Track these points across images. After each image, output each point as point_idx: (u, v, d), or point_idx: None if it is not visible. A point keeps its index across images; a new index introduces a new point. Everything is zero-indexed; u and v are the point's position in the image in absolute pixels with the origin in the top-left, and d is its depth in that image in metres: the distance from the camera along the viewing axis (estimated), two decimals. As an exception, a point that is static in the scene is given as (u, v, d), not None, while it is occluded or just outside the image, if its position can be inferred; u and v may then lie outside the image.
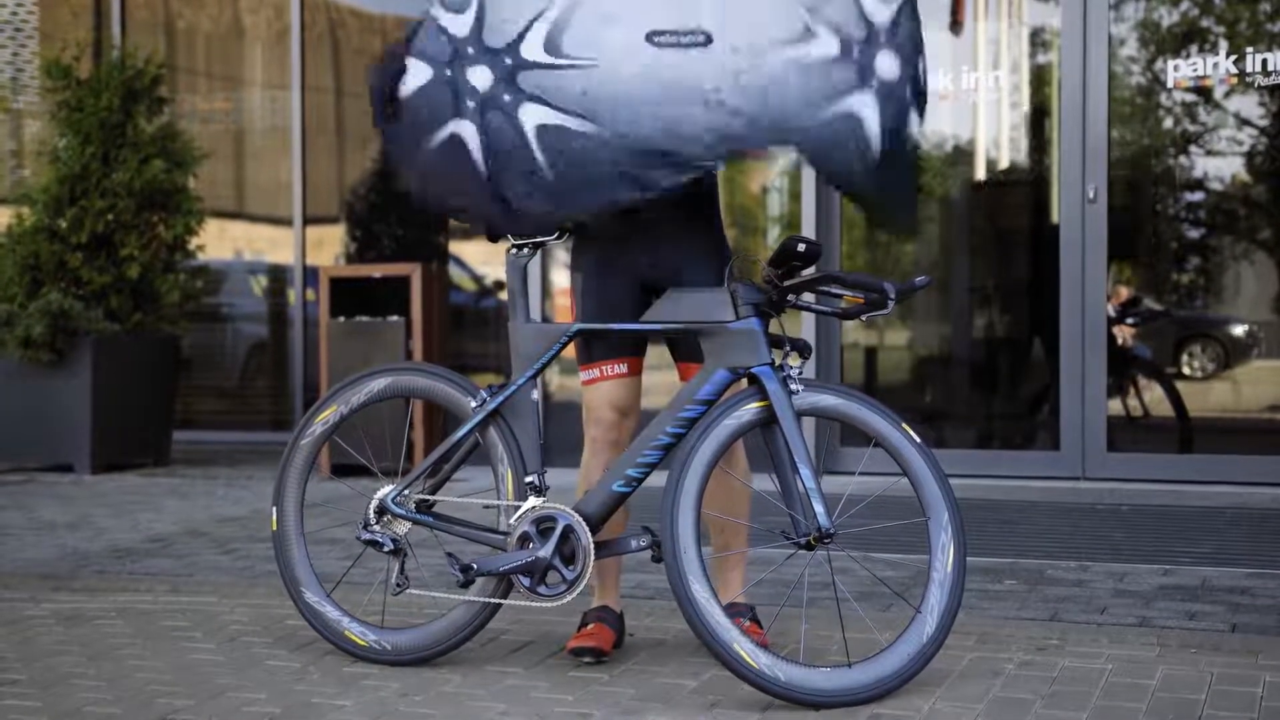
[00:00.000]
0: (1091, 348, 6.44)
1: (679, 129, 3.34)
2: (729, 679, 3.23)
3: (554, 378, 7.23)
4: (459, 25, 3.45)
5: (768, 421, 3.33)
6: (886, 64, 3.41)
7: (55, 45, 8.83)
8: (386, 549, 3.56)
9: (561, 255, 7.15)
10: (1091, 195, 6.44)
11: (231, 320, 9.48)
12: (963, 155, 7.35)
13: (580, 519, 3.43)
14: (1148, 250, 7.33)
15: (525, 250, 3.58)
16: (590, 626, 3.63)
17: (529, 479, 3.50)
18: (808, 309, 3.43)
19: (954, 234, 7.56)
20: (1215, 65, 6.66)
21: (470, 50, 3.43)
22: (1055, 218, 6.71)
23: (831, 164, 3.40)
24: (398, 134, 3.51)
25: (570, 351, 3.67)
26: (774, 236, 7.48)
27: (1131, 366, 7.06)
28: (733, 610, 3.61)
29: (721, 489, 3.61)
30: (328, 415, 3.72)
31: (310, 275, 8.78)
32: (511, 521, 3.49)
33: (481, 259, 8.78)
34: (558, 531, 3.42)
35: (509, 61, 3.40)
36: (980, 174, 7.42)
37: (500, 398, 3.54)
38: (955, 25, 7.11)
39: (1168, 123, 7.17)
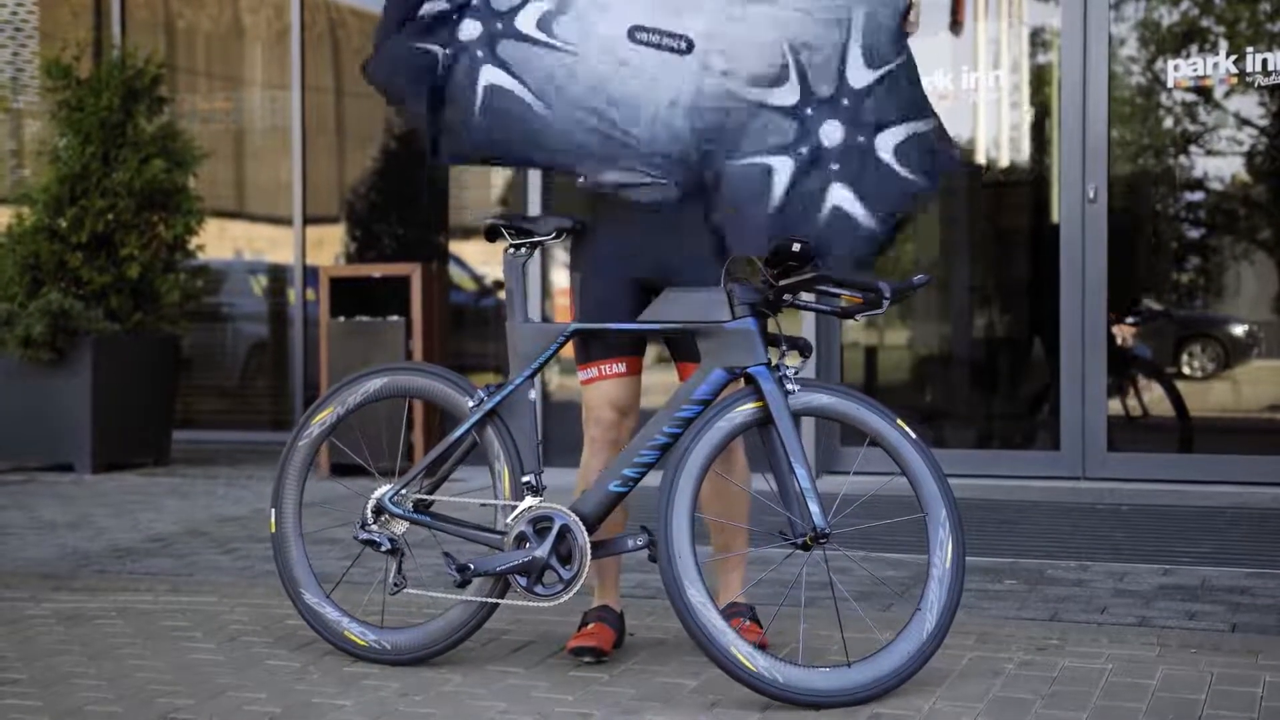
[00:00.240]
0: (1091, 348, 6.44)
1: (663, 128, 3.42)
2: (729, 679, 3.23)
3: (553, 377, 7.23)
4: None
5: (764, 421, 3.33)
6: (831, 130, 3.46)
7: (55, 45, 8.84)
8: (384, 549, 3.56)
9: (561, 255, 7.15)
10: (1091, 195, 6.44)
11: (231, 320, 9.48)
12: (962, 155, 7.35)
13: (577, 519, 3.43)
14: (1148, 250, 7.33)
15: (523, 250, 3.59)
16: (590, 626, 3.63)
17: (526, 478, 3.50)
18: (804, 308, 3.43)
19: (954, 234, 7.56)
20: (1215, 65, 6.66)
21: (475, 3, 3.57)
22: (1055, 218, 6.71)
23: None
24: (389, 37, 3.61)
25: (570, 351, 3.68)
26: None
27: (1131, 366, 7.06)
28: (732, 610, 3.61)
29: (721, 489, 3.61)
30: (325, 416, 3.72)
31: (310, 275, 8.78)
32: (508, 521, 3.49)
33: (481, 259, 8.79)
34: (554, 531, 3.42)
35: (499, 26, 3.55)
36: (980, 174, 7.42)
37: (498, 397, 3.54)
38: (955, 25, 7.11)
39: (1168, 123, 7.17)
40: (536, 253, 3.73)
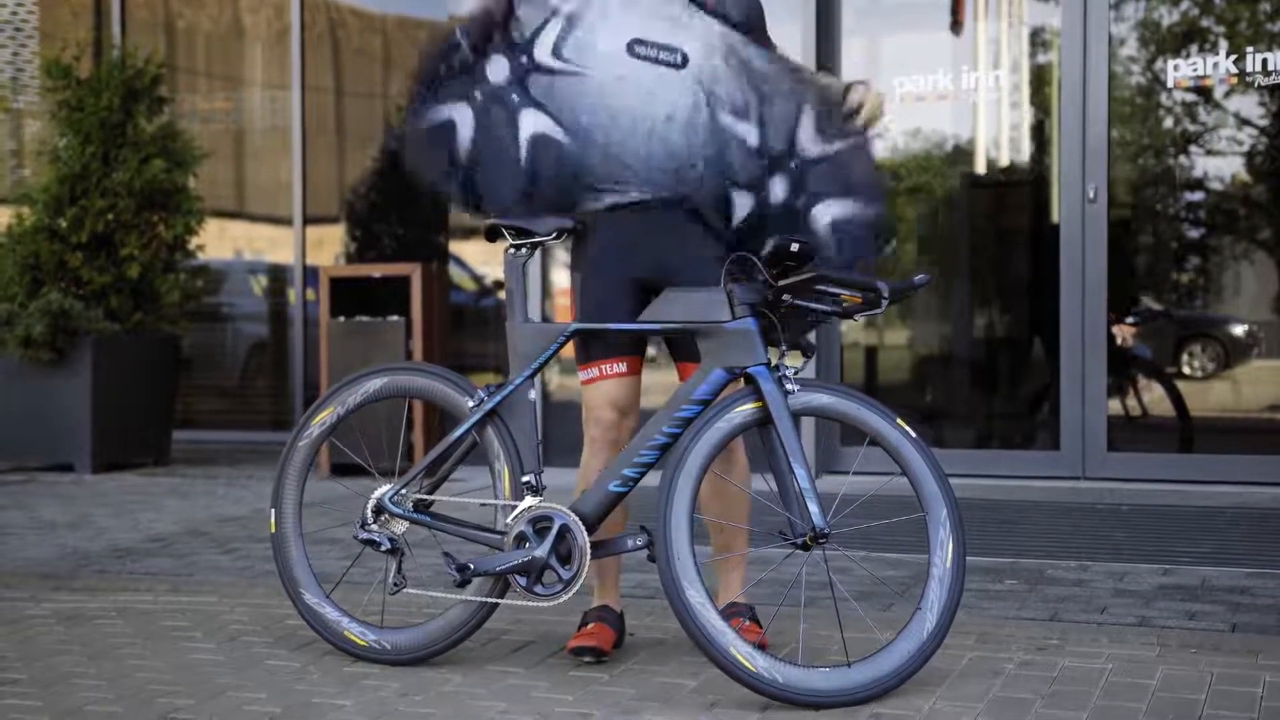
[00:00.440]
0: (1091, 348, 6.44)
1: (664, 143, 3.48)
2: (728, 679, 3.22)
3: (553, 377, 7.23)
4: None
5: (763, 421, 3.33)
6: (778, 186, 3.54)
7: (55, 45, 8.84)
8: (384, 548, 3.56)
9: (561, 255, 7.15)
10: (1091, 195, 6.44)
11: (231, 320, 9.48)
12: (963, 155, 7.35)
13: (577, 518, 3.43)
14: (1147, 250, 7.33)
15: (524, 250, 3.59)
16: (590, 626, 3.63)
17: (526, 478, 3.50)
18: (804, 308, 3.43)
19: (954, 234, 7.56)
20: (1215, 65, 6.66)
21: (497, 39, 3.57)
22: (1055, 218, 6.72)
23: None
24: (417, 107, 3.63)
25: (570, 351, 3.67)
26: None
27: (1131, 366, 7.06)
28: (731, 610, 3.61)
29: (721, 489, 3.61)
30: (325, 416, 3.72)
31: (310, 275, 8.78)
32: (508, 521, 3.49)
33: (481, 259, 8.78)
34: (554, 531, 3.42)
35: (524, 61, 3.55)
36: (980, 174, 7.42)
37: (498, 398, 3.54)
38: (955, 25, 7.12)
39: (1168, 123, 7.17)
40: (537, 253, 3.73)
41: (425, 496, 3.62)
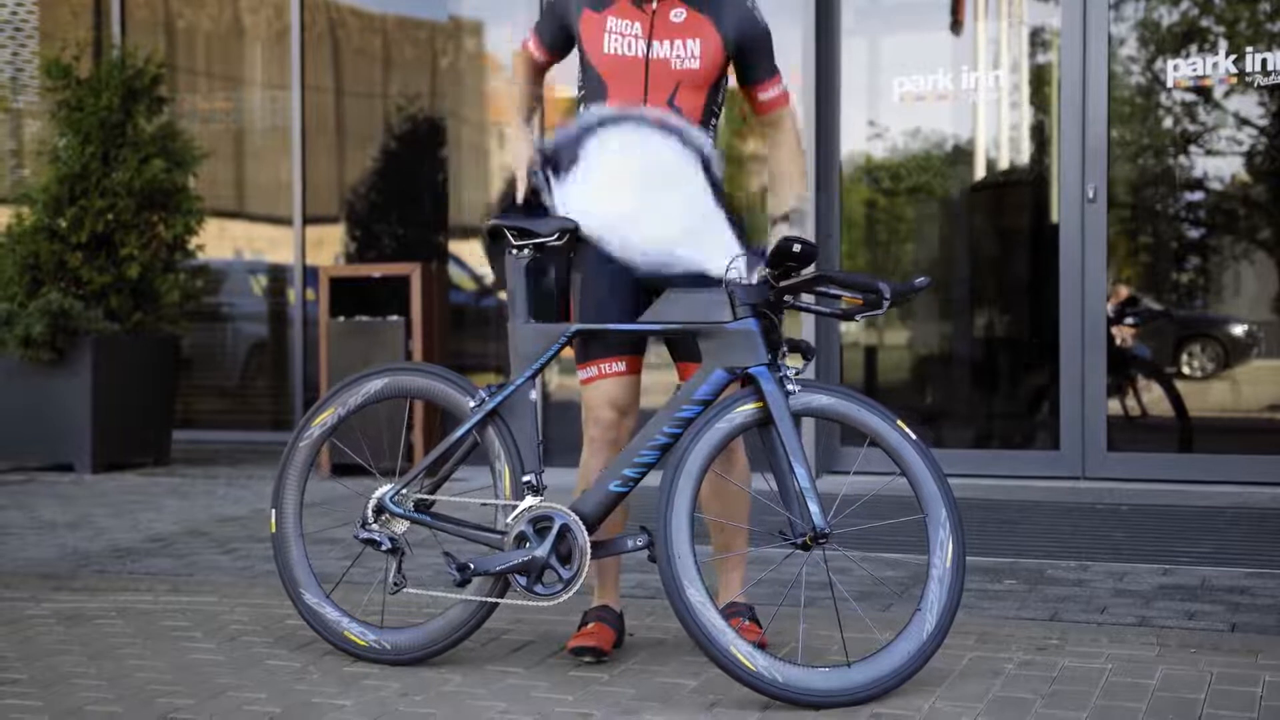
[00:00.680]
0: (1091, 348, 6.44)
1: None
2: (728, 679, 3.23)
3: (554, 377, 7.23)
4: None
5: (764, 422, 3.33)
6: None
7: (55, 45, 8.84)
8: (384, 548, 3.57)
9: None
10: (1091, 195, 6.44)
11: (231, 320, 9.48)
12: (963, 155, 7.35)
13: (577, 518, 3.43)
14: (1147, 250, 7.33)
15: (525, 251, 3.59)
16: (590, 626, 3.63)
17: (526, 478, 3.50)
18: (805, 309, 3.44)
19: (954, 234, 7.56)
20: (1215, 65, 6.66)
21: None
22: (1055, 218, 6.72)
23: None
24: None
25: (570, 351, 3.68)
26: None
27: (1131, 366, 7.06)
28: (731, 610, 3.61)
29: (721, 489, 3.61)
30: (326, 417, 3.72)
31: (310, 275, 8.78)
32: (509, 521, 3.49)
33: (481, 259, 8.78)
34: (554, 531, 3.42)
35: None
36: (980, 174, 7.42)
37: (499, 398, 3.54)
38: (955, 25, 7.11)
39: (1168, 123, 7.17)
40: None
41: (426, 496, 3.62)
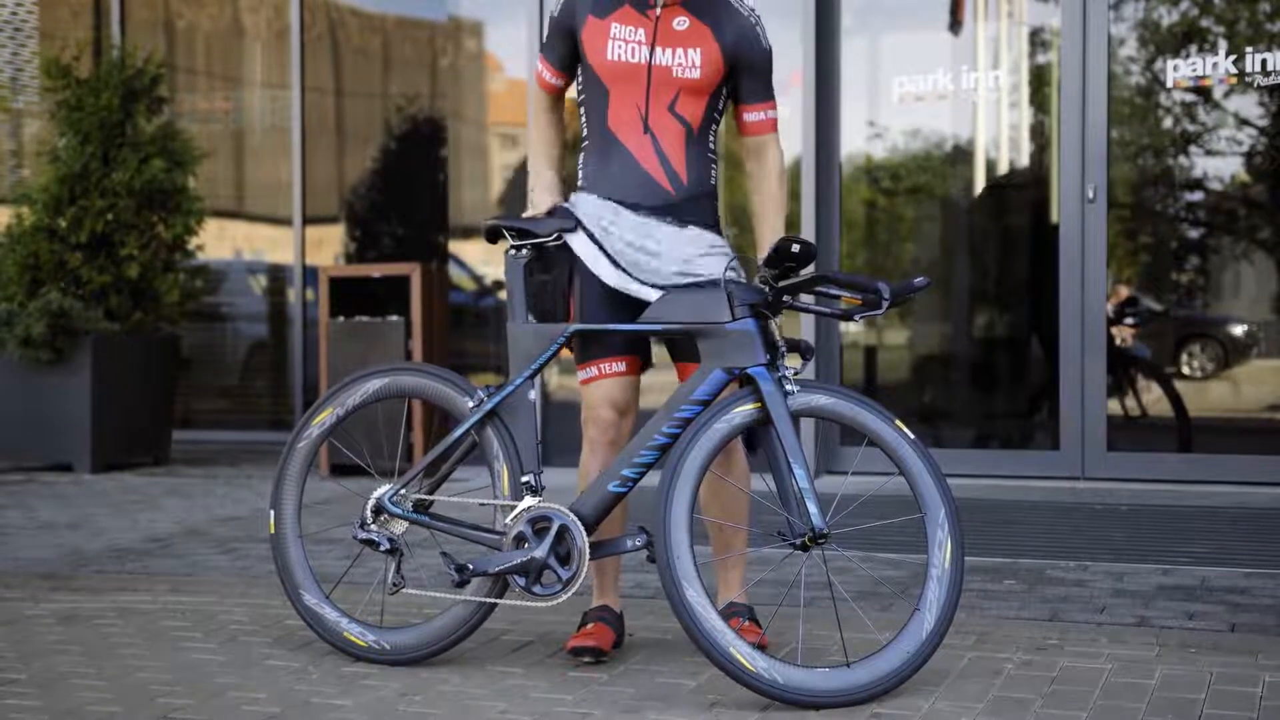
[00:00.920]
0: (1091, 348, 6.44)
1: None
2: (728, 679, 3.23)
3: (553, 377, 7.23)
4: None
5: (762, 422, 3.33)
6: None
7: (55, 45, 8.84)
8: (383, 548, 3.56)
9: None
10: (1091, 195, 6.44)
11: (231, 320, 9.48)
12: (963, 155, 7.35)
13: (576, 519, 3.43)
14: (1147, 250, 7.33)
15: (524, 251, 3.59)
16: (590, 626, 3.63)
17: (525, 479, 3.50)
18: (804, 309, 3.44)
19: (954, 234, 7.56)
20: (1215, 65, 6.66)
21: None
22: (1055, 218, 6.72)
23: None
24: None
25: (570, 351, 3.68)
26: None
27: (1131, 366, 7.06)
28: (730, 610, 3.61)
29: (720, 489, 3.61)
30: (324, 418, 3.72)
31: (310, 275, 8.78)
32: (507, 521, 3.49)
33: (481, 259, 8.79)
34: (553, 531, 3.42)
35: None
36: (980, 174, 7.42)
37: (497, 398, 3.54)
38: (955, 25, 7.12)
39: (1167, 123, 7.17)
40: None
41: (425, 497, 3.62)
